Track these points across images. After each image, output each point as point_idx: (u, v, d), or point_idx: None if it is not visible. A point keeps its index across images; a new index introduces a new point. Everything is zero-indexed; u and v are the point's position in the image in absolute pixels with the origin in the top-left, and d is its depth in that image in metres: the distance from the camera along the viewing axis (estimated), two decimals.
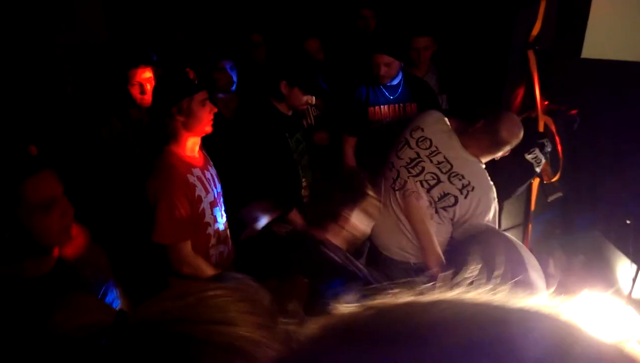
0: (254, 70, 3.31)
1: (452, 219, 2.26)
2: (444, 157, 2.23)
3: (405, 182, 2.28)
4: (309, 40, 3.27)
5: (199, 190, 2.03)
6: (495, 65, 2.99)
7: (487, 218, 2.21)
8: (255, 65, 3.35)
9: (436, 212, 2.25)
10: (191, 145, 2.08)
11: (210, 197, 2.10)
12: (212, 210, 2.11)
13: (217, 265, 2.15)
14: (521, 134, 2.20)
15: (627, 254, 2.26)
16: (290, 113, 2.53)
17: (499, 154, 2.26)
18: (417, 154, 2.27)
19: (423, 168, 2.25)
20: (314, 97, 2.49)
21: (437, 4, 3.50)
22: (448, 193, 2.22)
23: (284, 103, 2.48)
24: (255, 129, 2.44)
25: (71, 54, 3.13)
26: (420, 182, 2.25)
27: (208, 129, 2.06)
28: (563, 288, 2.03)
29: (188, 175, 1.99)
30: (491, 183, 2.25)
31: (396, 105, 2.74)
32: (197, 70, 2.65)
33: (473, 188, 2.19)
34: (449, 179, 2.21)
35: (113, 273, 1.51)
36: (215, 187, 2.18)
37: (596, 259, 2.55)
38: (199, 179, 2.05)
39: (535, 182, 2.74)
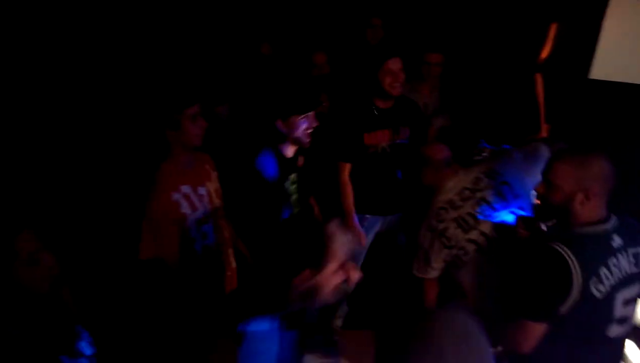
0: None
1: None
2: (456, 192, 2.07)
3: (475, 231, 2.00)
4: (316, 54, 3.26)
5: (184, 208, 1.97)
6: (502, 86, 3.00)
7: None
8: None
9: None
10: (186, 159, 2.01)
11: (199, 214, 2.03)
12: (199, 227, 2.04)
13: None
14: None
15: None
16: (292, 154, 2.26)
17: None
18: (461, 215, 2.05)
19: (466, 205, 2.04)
20: (315, 119, 2.16)
21: (450, 21, 3.53)
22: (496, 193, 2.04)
23: (288, 142, 2.20)
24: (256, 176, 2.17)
25: None
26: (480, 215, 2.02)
27: (197, 142, 1.97)
28: None
29: (172, 193, 1.94)
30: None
31: (390, 130, 2.66)
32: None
33: (500, 173, 2.06)
34: (483, 192, 2.04)
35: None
36: (211, 203, 2.10)
37: None
38: (186, 196, 1.98)
39: None
